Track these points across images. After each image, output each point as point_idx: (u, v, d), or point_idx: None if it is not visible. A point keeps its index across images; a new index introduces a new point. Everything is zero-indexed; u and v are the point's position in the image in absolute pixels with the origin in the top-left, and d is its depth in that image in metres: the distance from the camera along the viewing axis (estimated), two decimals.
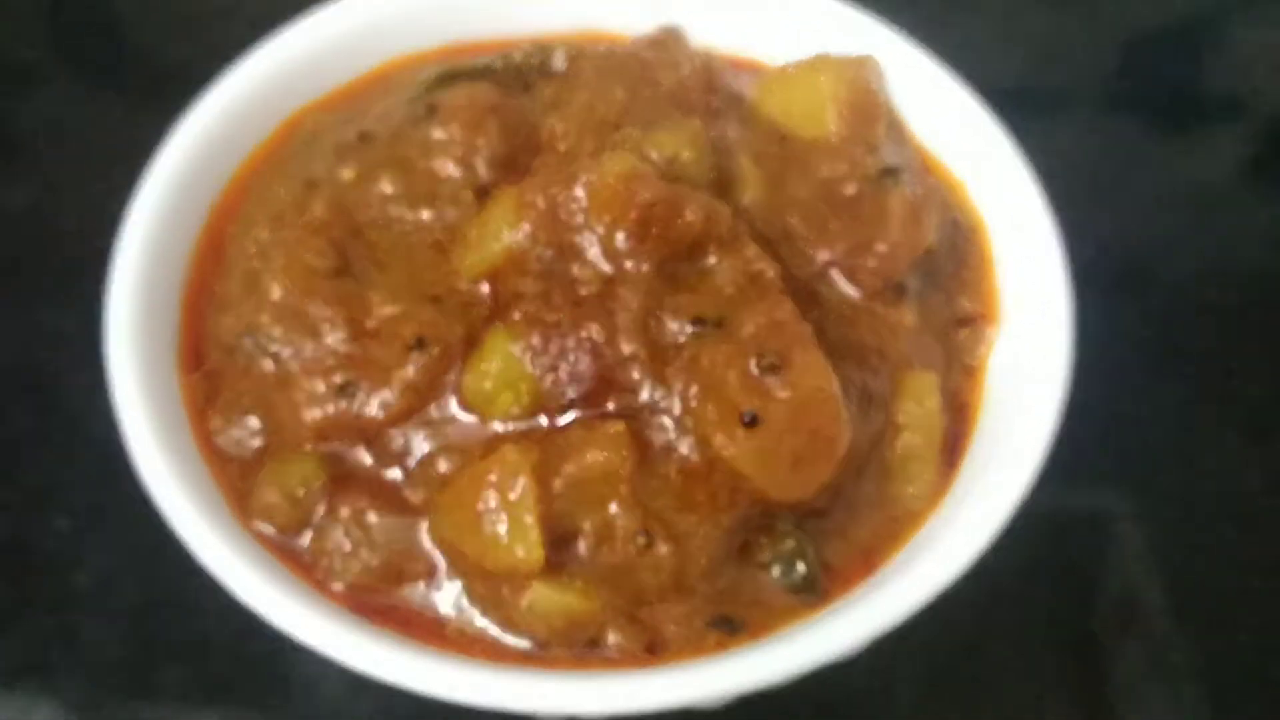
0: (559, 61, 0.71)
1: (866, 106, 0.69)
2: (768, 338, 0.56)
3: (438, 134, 0.64)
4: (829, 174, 0.66)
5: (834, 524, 0.59)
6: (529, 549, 0.53)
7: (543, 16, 0.78)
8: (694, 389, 0.56)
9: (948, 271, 0.67)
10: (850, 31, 0.74)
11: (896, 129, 0.72)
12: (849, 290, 0.64)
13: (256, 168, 0.71)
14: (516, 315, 0.59)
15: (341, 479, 0.59)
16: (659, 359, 0.57)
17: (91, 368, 0.83)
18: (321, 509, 0.58)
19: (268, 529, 0.58)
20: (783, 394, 0.55)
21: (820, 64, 0.70)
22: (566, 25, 0.78)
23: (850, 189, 0.65)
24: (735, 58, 0.77)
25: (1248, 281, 0.95)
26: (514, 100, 0.67)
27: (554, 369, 0.57)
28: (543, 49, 0.72)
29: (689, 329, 0.57)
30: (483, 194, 0.63)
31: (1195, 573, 0.80)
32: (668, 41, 0.72)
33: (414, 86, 0.70)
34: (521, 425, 0.58)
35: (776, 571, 0.58)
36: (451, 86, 0.68)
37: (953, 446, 0.63)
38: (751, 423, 0.54)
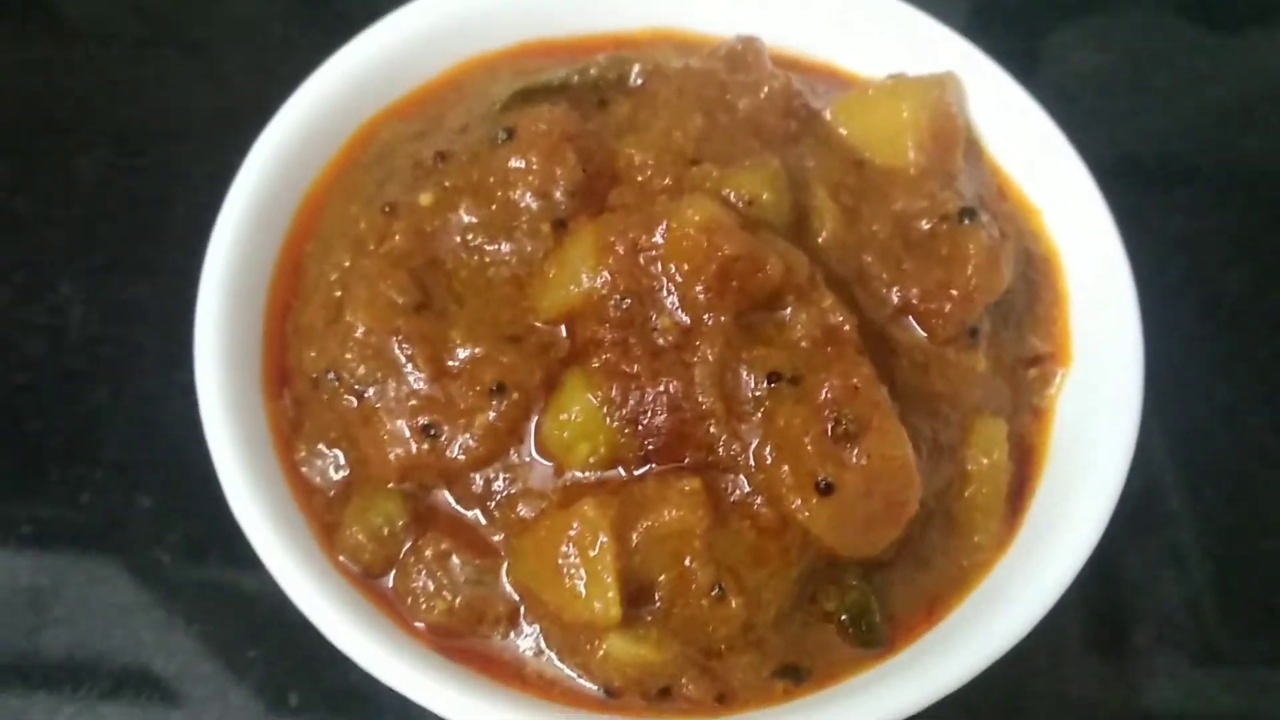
0: (635, 77, 0.70)
1: (946, 133, 0.69)
2: (845, 402, 0.57)
3: (516, 163, 0.64)
4: (905, 208, 0.66)
5: (899, 574, 0.61)
6: (607, 606, 0.55)
7: (618, 15, 0.77)
8: (769, 448, 0.57)
9: (1020, 308, 0.68)
10: (930, 43, 0.73)
11: (974, 150, 0.72)
12: (921, 335, 0.64)
13: (332, 180, 0.71)
14: (595, 363, 0.60)
15: (424, 517, 0.61)
16: (735, 414, 0.58)
17: (168, 343, 0.85)
18: (406, 547, 0.60)
19: (353, 567, 0.60)
20: (858, 462, 0.56)
21: (901, 89, 0.69)
22: (643, 23, 0.77)
23: (927, 224, 0.65)
24: (813, 62, 0.76)
25: None
26: (590, 125, 0.67)
27: (632, 422, 0.58)
28: (619, 62, 0.71)
29: (765, 384, 0.58)
30: (560, 226, 0.64)
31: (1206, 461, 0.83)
32: (746, 56, 0.70)
33: (490, 101, 0.70)
34: (598, 474, 0.59)
35: (842, 620, 0.60)
36: (528, 105, 0.68)
37: (1018, 492, 0.64)
38: (826, 490, 0.56)
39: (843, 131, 0.69)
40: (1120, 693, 0.78)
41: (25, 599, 0.80)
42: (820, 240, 0.64)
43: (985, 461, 0.62)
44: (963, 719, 0.73)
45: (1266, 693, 0.79)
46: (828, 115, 0.70)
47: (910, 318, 0.64)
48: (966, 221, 0.64)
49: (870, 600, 0.60)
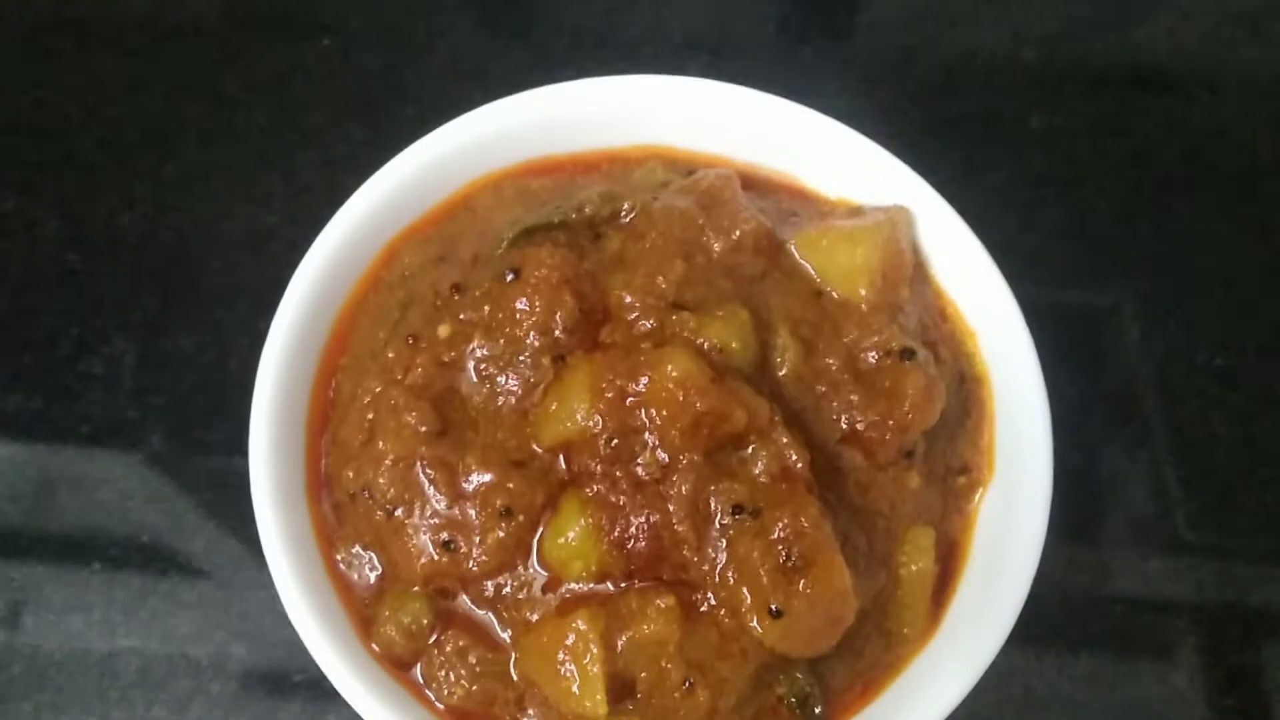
0: (625, 214, 0.80)
1: (896, 269, 0.79)
2: (795, 540, 0.68)
3: (521, 304, 0.74)
4: (856, 340, 0.77)
5: (838, 664, 0.73)
6: (595, 705, 0.68)
7: (609, 135, 0.86)
8: (731, 572, 0.70)
9: (953, 423, 0.79)
10: (887, 176, 0.82)
11: (920, 274, 0.82)
12: (863, 460, 0.75)
13: (361, 297, 0.81)
14: (588, 491, 0.71)
15: (445, 616, 0.73)
16: (704, 540, 0.70)
17: (215, 391, 0.97)
18: (431, 640, 0.73)
19: (386, 656, 0.73)
20: (805, 590, 0.68)
21: (858, 234, 0.79)
22: (632, 141, 0.87)
23: (873, 359, 0.76)
24: (777, 178, 0.86)
25: None
26: (586, 263, 0.77)
27: (619, 545, 0.70)
28: (611, 198, 0.80)
29: (730, 515, 0.70)
30: (559, 360, 0.74)
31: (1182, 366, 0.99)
32: (723, 193, 0.80)
33: (496, 236, 0.80)
34: (590, 586, 0.72)
35: (791, 701, 0.73)
36: (530, 243, 0.78)
37: (943, 587, 0.76)
38: (777, 615, 0.68)
39: (804, 264, 0.80)
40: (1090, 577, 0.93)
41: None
42: (781, 374, 0.75)
43: (914, 568, 0.74)
44: None
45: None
46: (792, 248, 0.80)
47: (854, 446, 0.75)
48: (906, 361, 0.75)
49: (814, 688, 0.72)
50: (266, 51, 1.13)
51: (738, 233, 0.78)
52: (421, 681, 0.73)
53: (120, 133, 1.10)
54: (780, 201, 0.84)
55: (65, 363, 1.01)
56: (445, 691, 0.72)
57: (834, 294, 0.79)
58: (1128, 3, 1.18)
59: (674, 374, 0.69)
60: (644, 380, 0.70)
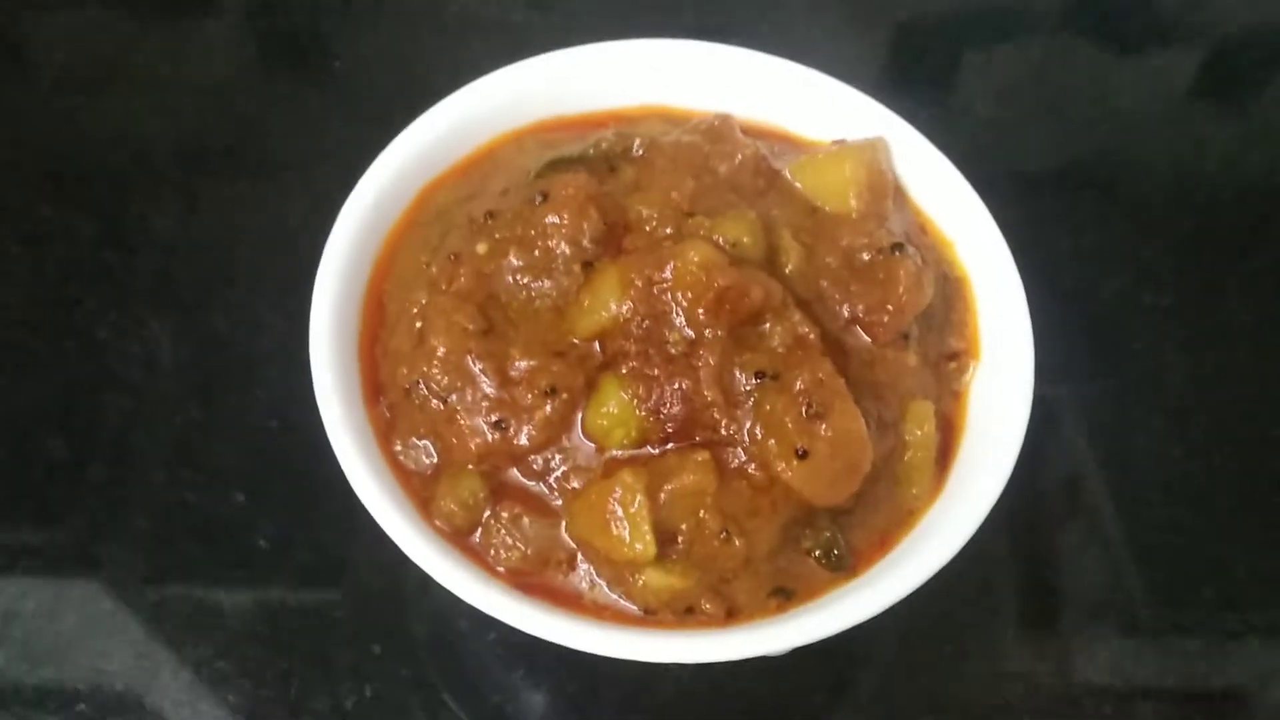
0: (637, 149, 0.90)
1: (879, 186, 0.89)
2: (813, 392, 0.77)
3: (551, 219, 0.83)
4: (850, 243, 0.86)
5: (857, 518, 0.81)
6: (646, 546, 0.75)
7: (616, 96, 0.97)
8: (759, 429, 0.78)
9: (940, 317, 0.88)
10: (862, 112, 0.94)
11: (900, 198, 0.93)
12: (866, 340, 0.84)
13: (399, 235, 0.90)
14: (624, 369, 0.79)
15: (498, 491, 0.80)
16: (732, 403, 0.78)
17: (247, 370, 1.04)
18: (487, 512, 0.79)
19: (446, 528, 0.80)
20: (826, 434, 0.76)
21: (843, 153, 0.89)
22: (636, 102, 0.97)
23: (867, 256, 0.86)
24: (770, 128, 0.97)
25: (1194, 191, 1.15)
26: (606, 185, 0.87)
27: (655, 411, 0.78)
28: (623, 137, 0.91)
29: (753, 380, 0.78)
30: (588, 266, 0.83)
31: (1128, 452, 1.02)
32: (722, 130, 0.90)
33: (524, 171, 0.90)
34: (631, 452, 0.79)
35: (817, 554, 0.80)
36: (555, 173, 0.87)
37: (944, 456, 0.84)
38: (803, 455, 0.76)
39: (799, 186, 0.90)
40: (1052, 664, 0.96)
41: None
42: (787, 271, 0.84)
43: (919, 433, 0.83)
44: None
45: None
46: (787, 174, 0.90)
47: (857, 327, 0.84)
48: (897, 253, 0.85)
49: (837, 537, 0.80)
50: (282, 73, 1.23)
51: (739, 157, 0.89)
52: (480, 550, 0.79)
53: (151, 146, 1.18)
54: (772, 145, 0.95)
55: (104, 345, 1.07)
56: (503, 555, 0.78)
57: (826, 209, 0.89)
58: None
59: (696, 259, 0.78)
60: (669, 267, 0.79)
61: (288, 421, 1.03)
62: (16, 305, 1.09)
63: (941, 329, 0.88)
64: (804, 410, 0.76)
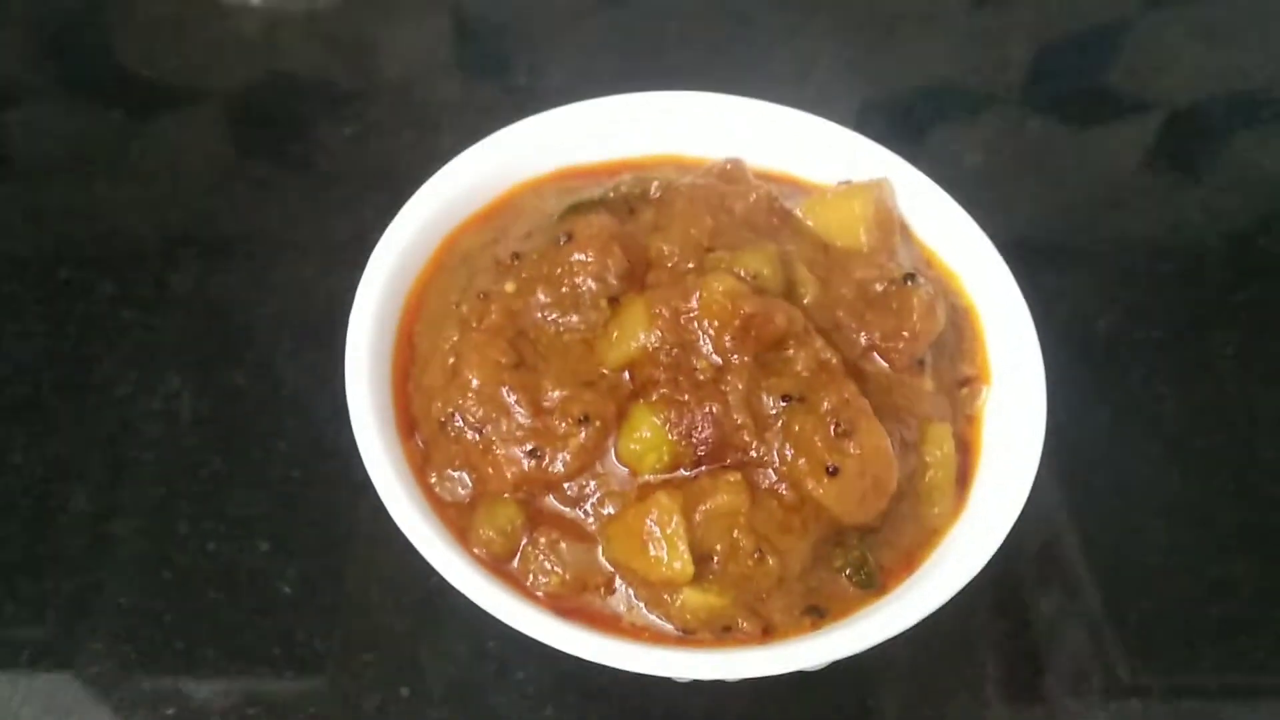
0: (655, 191, 0.94)
1: (886, 222, 0.93)
2: (840, 411, 0.80)
3: (577, 256, 0.86)
4: (863, 276, 0.90)
5: (884, 537, 0.83)
6: (684, 565, 0.77)
7: (631, 145, 1.01)
8: (788, 449, 0.80)
9: (952, 345, 0.92)
10: (865, 155, 0.98)
11: (905, 234, 0.97)
12: (884, 366, 0.88)
13: (428, 279, 0.93)
14: (654, 396, 0.82)
15: (535, 517, 0.82)
16: (761, 426, 0.81)
17: (268, 417, 1.06)
18: (524, 539, 0.81)
19: (485, 556, 0.81)
20: (854, 451, 0.79)
21: (852, 192, 0.93)
22: (650, 151, 1.01)
23: (880, 287, 0.89)
24: (782, 175, 1.01)
25: (1157, 260, 1.18)
26: (627, 226, 0.90)
27: (687, 435, 0.81)
28: (641, 180, 0.94)
29: (780, 404, 0.81)
30: (614, 301, 0.86)
31: (1106, 522, 1.03)
32: (734, 173, 0.95)
33: (546, 214, 0.93)
34: (664, 476, 0.81)
35: (848, 572, 0.82)
36: (578, 215, 0.91)
37: (963, 477, 0.87)
38: (834, 472, 0.78)
39: (810, 224, 0.94)
40: None
41: None
42: (805, 302, 0.87)
43: (938, 453, 0.85)
44: None
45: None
46: (798, 213, 0.94)
47: (875, 354, 0.88)
48: (909, 283, 0.88)
49: (866, 556, 0.82)
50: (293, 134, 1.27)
51: (753, 196, 0.92)
52: (519, 575, 0.81)
53: (164, 213, 1.21)
54: (781, 188, 0.99)
55: (124, 402, 1.09)
56: (543, 580, 0.80)
57: (838, 244, 0.92)
58: None
59: (721, 288, 0.82)
60: (695, 298, 0.82)
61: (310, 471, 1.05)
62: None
63: (953, 356, 0.92)
64: (832, 429, 0.79)
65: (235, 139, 1.29)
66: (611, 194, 0.94)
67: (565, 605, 0.80)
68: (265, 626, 0.98)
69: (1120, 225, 1.25)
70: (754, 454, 0.81)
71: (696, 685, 0.94)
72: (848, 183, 0.97)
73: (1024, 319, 0.90)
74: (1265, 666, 1.00)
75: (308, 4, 1.39)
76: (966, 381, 0.91)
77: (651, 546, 0.78)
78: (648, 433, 0.81)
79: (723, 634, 0.79)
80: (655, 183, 0.94)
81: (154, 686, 0.95)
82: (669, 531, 0.77)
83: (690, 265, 0.87)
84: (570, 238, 0.88)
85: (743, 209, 0.92)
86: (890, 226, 0.93)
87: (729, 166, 0.96)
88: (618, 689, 0.96)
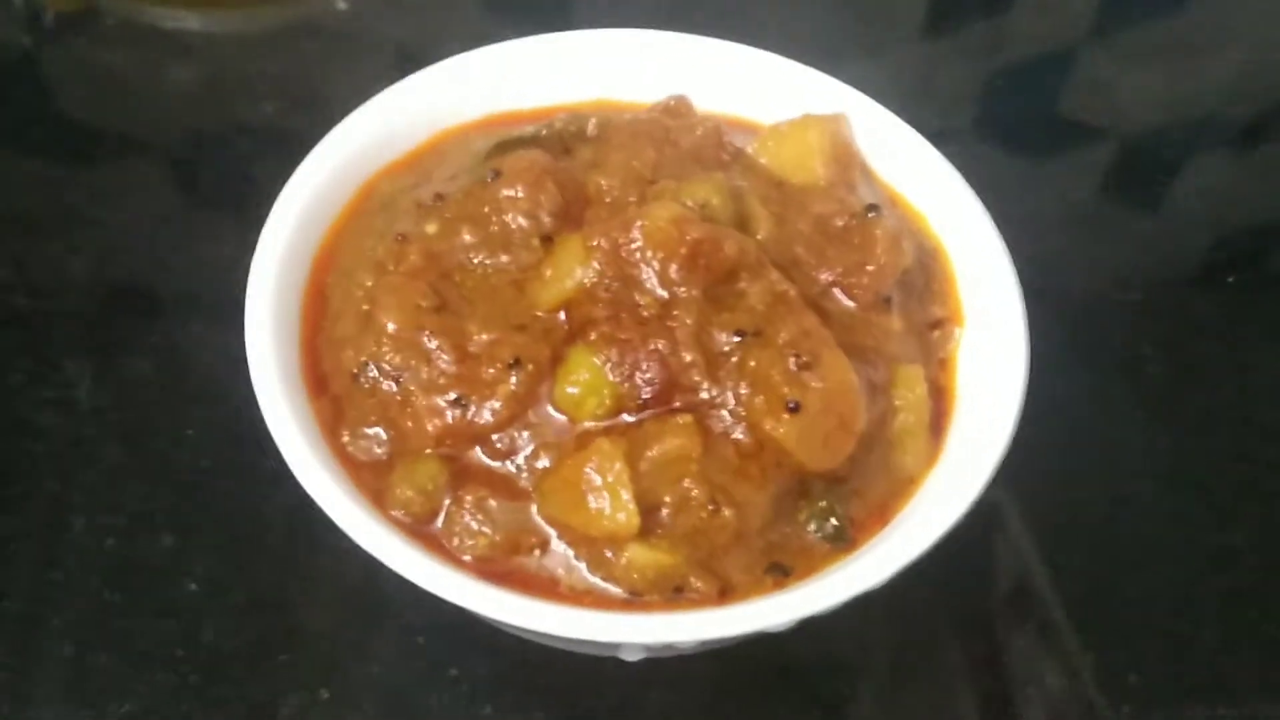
0: (592, 129, 0.86)
1: (845, 155, 0.86)
2: (799, 343, 0.71)
3: (507, 192, 0.78)
4: (821, 210, 0.82)
5: (853, 487, 0.74)
6: (628, 516, 0.68)
7: (566, 89, 0.93)
8: (744, 386, 0.71)
9: (920, 285, 0.84)
10: (820, 92, 0.91)
11: (866, 174, 0.89)
12: (848, 304, 0.79)
13: (343, 227, 0.84)
14: (593, 335, 0.73)
15: (460, 474, 0.72)
16: (712, 364, 0.72)
17: (175, 404, 0.96)
18: (448, 498, 0.72)
19: (404, 518, 0.71)
20: (816, 385, 0.70)
21: (807, 123, 0.86)
22: (587, 95, 0.93)
23: (840, 222, 0.81)
24: (731, 118, 0.93)
25: (1117, 288, 1.11)
26: (563, 163, 0.82)
27: (630, 376, 0.72)
28: (577, 118, 0.86)
29: (733, 339, 0.73)
30: (547, 241, 0.77)
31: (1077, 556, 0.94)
32: (680, 108, 0.87)
33: (472, 155, 0.85)
34: (605, 423, 0.72)
35: (813, 526, 0.73)
36: (508, 153, 0.82)
37: (938, 424, 0.79)
38: (795, 409, 0.70)
39: (763, 161, 0.86)
40: None
41: None
42: (760, 237, 0.79)
43: (910, 396, 0.77)
44: None
45: None
46: (750, 150, 0.86)
47: (837, 290, 0.79)
48: (872, 214, 0.80)
49: (834, 507, 0.73)
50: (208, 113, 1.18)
51: (700, 130, 0.85)
52: (443, 538, 0.71)
53: (63, 192, 1.12)
54: (732, 133, 0.91)
55: (15, 392, 0.99)
56: (469, 543, 0.71)
57: (793, 181, 0.85)
58: None
59: (665, 215, 0.73)
60: (637, 227, 0.73)
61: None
62: None
63: (922, 297, 0.84)
64: (791, 363, 0.71)
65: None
66: (545, 131, 0.85)
67: (495, 569, 0.71)
68: (167, 628, 0.88)
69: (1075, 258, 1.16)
70: (705, 394, 0.72)
71: (651, 676, 0.85)
72: (805, 115, 0.89)
73: (999, 255, 0.82)
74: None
75: (242, 25, 1.29)
76: (938, 324, 0.83)
77: (591, 498, 0.69)
78: (586, 374, 0.72)
79: (674, 596, 0.70)
80: (592, 120, 0.86)
81: (44, 696, 0.84)
82: (610, 480, 0.68)
83: (632, 199, 0.79)
84: (498, 174, 0.79)
85: (689, 142, 0.84)
86: (849, 160, 0.86)
87: (673, 103, 0.88)
88: (563, 683, 0.87)
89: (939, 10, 1.40)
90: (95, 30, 1.29)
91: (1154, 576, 0.95)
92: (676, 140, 0.83)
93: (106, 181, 1.17)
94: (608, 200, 0.79)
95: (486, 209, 0.78)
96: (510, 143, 0.84)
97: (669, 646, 0.69)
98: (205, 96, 1.23)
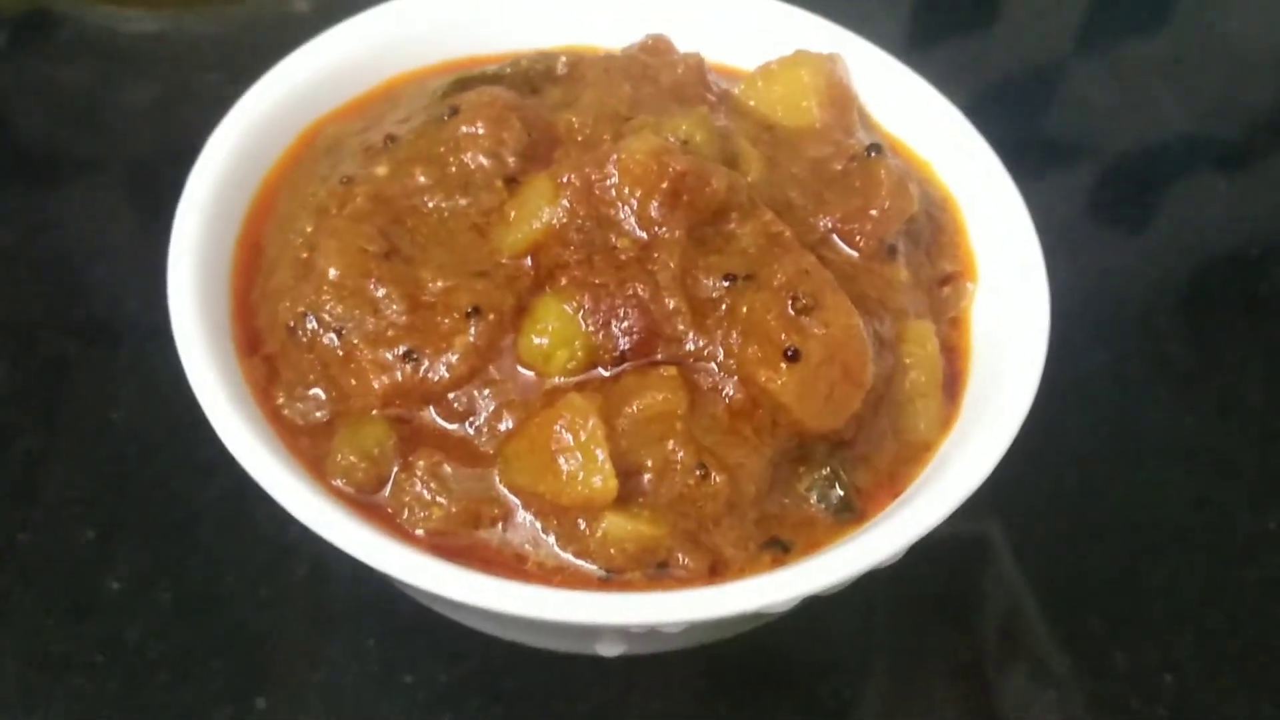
0: (561, 67, 0.77)
1: (842, 97, 0.77)
2: (799, 283, 0.62)
3: (466, 129, 0.69)
4: (817, 154, 0.74)
5: (859, 453, 0.66)
6: (604, 479, 0.58)
7: (534, 34, 0.84)
8: (735, 335, 0.63)
9: (927, 238, 0.75)
10: (817, 35, 0.82)
11: (863, 116, 0.81)
12: (849, 252, 0.71)
13: (282, 174, 0.75)
14: (563, 281, 0.64)
15: (411, 437, 0.63)
16: (699, 312, 0.63)
17: (101, 386, 0.87)
18: (397, 465, 0.62)
19: (347, 488, 0.62)
20: (818, 330, 0.61)
21: (799, 59, 0.77)
22: (557, 41, 0.85)
23: (839, 165, 0.73)
24: (714, 65, 0.85)
25: (1099, 305, 1.04)
26: (529, 101, 0.73)
27: (605, 325, 0.63)
28: (546, 56, 0.78)
29: (723, 284, 0.64)
30: (511, 182, 0.69)
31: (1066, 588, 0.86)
32: (659, 46, 0.78)
33: (428, 95, 0.76)
34: (578, 378, 0.63)
35: (816, 496, 0.64)
36: (468, 90, 0.74)
37: (951, 384, 0.70)
38: (794, 356, 0.61)
39: (752, 104, 0.77)
40: None
41: None
42: (749, 179, 0.71)
43: (920, 353, 0.68)
44: None
45: None
46: (737, 92, 0.78)
47: (836, 238, 0.71)
48: (873, 155, 0.72)
49: (839, 472, 0.64)
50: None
51: (681, 68, 0.76)
52: (392, 509, 0.62)
53: None
54: (718, 79, 0.82)
55: None
56: (421, 515, 0.61)
57: (785, 124, 0.76)
58: None
59: (644, 147, 0.65)
60: (612, 161, 0.65)
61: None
62: None
63: (930, 250, 0.75)
64: (790, 305, 0.62)
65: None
66: (509, 69, 0.77)
67: (452, 545, 0.61)
68: (86, 630, 0.78)
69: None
70: (691, 345, 0.63)
71: (632, 676, 0.76)
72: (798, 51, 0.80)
73: (1016, 206, 0.74)
74: None
75: (201, 27, 1.20)
76: (948, 279, 0.75)
77: (562, 459, 0.59)
78: (555, 323, 0.63)
79: (658, 573, 0.61)
80: (562, 59, 0.78)
81: None
82: (583, 438, 0.59)
83: (606, 137, 0.70)
84: (456, 111, 0.71)
85: (670, 79, 0.76)
86: (846, 102, 0.77)
87: (651, 42, 0.79)
88: (533, 687, 0.77)
89: (921, 29, 1.34)
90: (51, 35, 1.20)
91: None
92: (655, 77, 0.75)
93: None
94: (579, 139, 0.71)
95: (443, 149, 0.70)
96: (471, 79, 0.75)
97: (652, 633, 0.60)
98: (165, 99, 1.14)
